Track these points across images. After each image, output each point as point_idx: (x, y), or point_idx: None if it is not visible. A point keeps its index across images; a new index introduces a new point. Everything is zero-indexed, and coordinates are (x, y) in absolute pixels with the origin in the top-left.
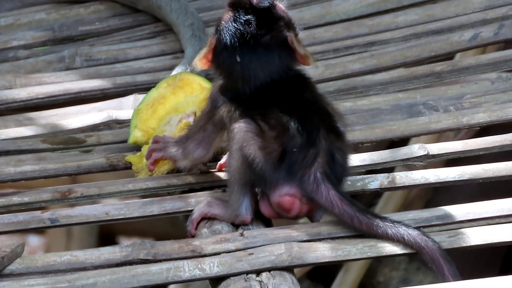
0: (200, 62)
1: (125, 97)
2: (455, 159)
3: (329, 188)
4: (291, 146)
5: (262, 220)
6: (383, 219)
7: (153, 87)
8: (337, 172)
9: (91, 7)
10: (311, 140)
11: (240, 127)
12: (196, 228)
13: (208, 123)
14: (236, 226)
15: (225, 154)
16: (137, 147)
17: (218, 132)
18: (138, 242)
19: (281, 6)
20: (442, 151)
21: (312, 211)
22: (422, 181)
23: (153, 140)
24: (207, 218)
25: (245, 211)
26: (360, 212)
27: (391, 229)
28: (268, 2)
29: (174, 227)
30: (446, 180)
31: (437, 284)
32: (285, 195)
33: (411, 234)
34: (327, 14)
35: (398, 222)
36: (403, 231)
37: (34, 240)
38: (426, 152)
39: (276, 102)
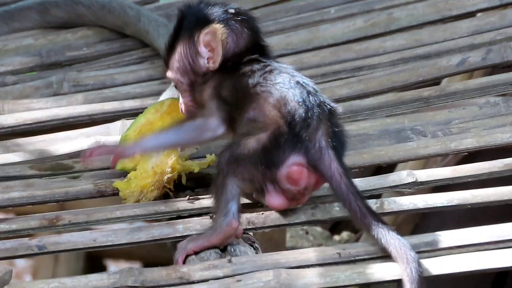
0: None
1: (113, 122)
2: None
3: (332, 159)
4: (293, 117)
5: (250, 245)
6: (377, 219)
7: (141, 112)
8: (338, 144)
9: (78, 32)
10: (312, 111)
11: None
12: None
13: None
14: (223, 251)
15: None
16: (124, 173)
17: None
18: (126, 269)
19: None
20: (430, 177)
21: (319, 183)
22: (411, 206)
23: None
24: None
25: (232, 215)
26: (357, 199)
27: (381, 234)
28: None
29: (161, 250)
30: (435, 205)
31: None
32: (293, 165)
33: (399, 249)
34: (314, 39)
35: (392, 229)
36: (392, 241)
37: (21, 262)
38: (414, 179)
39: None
